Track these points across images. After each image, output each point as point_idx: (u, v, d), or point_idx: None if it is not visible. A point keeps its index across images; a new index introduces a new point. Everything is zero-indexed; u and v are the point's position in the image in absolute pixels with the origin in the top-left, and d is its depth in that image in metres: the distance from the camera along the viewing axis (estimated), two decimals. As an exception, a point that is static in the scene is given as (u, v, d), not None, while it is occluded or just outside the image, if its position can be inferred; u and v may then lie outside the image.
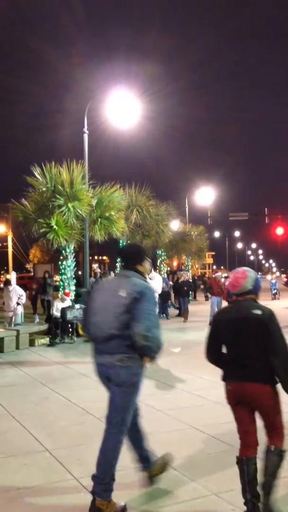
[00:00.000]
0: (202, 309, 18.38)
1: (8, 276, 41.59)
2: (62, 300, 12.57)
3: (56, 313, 12.12)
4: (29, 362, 9.07)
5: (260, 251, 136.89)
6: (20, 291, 12.48)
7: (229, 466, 4.00)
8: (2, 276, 55.82)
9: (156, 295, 6.29)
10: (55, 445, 4.49)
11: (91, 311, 3.42)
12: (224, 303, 15.87)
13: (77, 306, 12.58)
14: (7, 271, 51.17)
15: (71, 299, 13.57)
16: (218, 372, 3.36)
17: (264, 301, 26.56)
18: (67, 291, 13.53)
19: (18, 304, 12.13)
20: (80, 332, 12.80)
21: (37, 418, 5.39)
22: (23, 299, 12.46)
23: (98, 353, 3.40)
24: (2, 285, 44.74)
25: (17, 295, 12.26)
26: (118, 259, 18.13)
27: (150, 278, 6.17)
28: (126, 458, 4.14)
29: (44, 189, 13.57)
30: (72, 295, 13.89)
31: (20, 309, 12.29)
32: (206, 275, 47.56)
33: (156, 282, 9.99)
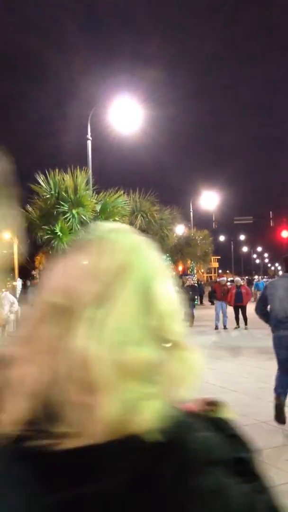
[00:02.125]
0: (208, 314, 18.34)
1: (14, 283, 41.76)
2: None
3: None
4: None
5: (266, 255, 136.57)
6: (12, 298, 12.26)
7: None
8: (8, 283, 55.91)
9: None
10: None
11: (271, 300, 5.19)
12: (229, 308, 15.85)
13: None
14: (13, 278, 51.29)
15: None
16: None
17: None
18: None
19: (10, 312, 11.87)
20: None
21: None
22: (16, 307, 12.14)
23: (281, 329, 5.22)
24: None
25: (9, 302, 11.98)
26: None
27: None
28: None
29: (48, 195, 13.63)
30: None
31: (12, 317, 12.04)
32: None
33: None
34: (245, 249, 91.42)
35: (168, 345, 0.66)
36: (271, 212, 41.77)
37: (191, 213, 32.96)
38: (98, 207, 14.43)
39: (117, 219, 14.75)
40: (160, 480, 0.57)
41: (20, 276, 36.35)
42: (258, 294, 27.26)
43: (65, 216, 13.16)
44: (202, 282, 36.44)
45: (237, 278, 17.78)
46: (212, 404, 0.80)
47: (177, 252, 26.16)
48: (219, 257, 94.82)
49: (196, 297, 17.50)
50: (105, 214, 14.57)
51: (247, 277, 49.22)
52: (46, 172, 13.67)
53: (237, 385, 7.02)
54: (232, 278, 24.30)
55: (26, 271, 55.17)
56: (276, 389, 5.29)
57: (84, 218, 13.46)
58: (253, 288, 27.59)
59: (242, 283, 16.32)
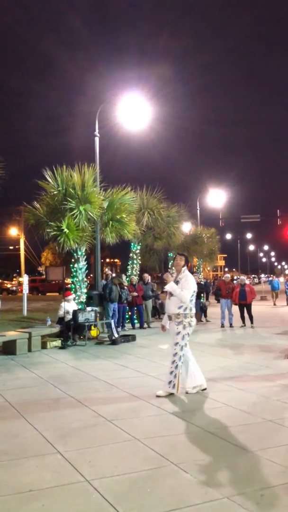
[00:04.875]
0: (213, 312, 18.31)
1: (21, 279, 41.82)
2: (68, 301, 12.62)
3: (67, 315, 12.17)
4: (41, 364, 9.10)
5: (273, 253, 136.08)
6: None
7: (241, 469, 3.97)
8: (14, 279, 56.17)
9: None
10: (66, 447, 4.49)
11: None
12: (235, 307, 15.81)
13: (89, 308, 12.61)
14: (19, 274, 51.52)
15: (82, 302, 13.61)
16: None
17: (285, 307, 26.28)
18: (75, 292, 13.56)
19: None
20: (93, 334, 12.86)
21: (48, 420, 5.40)
22: None
23: None
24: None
25: None
26: (129, 262, 18.16)
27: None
28: (136, 460, 4.13)
29: (55, 192, 13.62)
30: (84, 297, 13.93)
31: None
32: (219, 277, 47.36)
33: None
34: (251, 247, 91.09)
35: None
36: (278, 210, 41.60)
37: (198, 211, 32.88)
38: (105, 204, 14.41)
39: (124, 216, 14.73)
40: None
41: (26, 272, 36.40)
42: (274, 293, 27.02)
43: (72, 213, 13.14)
44: (208, 280, 36.38)
45: (242, 277, 17.72)
46: None
47: (183, 250, 26.07)
48: (225, 256, 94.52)
49: (202, 294, 17.45)
50: (112, 211, 14.56)
51: (253, 275, 49.02)
52: (54, 168, 13.67)
53: (244, 383, 7.00)
54: (236, 276, 24.26)
55: (33, 267, 55.18)
56: None
57: (91, 215, 13.45)
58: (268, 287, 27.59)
59: (246, 282, 16.26)
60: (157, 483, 3.69)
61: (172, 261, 24.29)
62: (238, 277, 23.16)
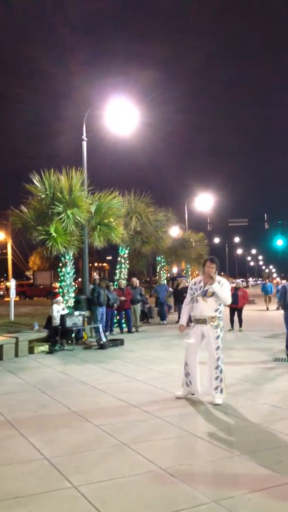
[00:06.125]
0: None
1: (8, 284, 41.55)
2: (57, 303, 12.59)
3: (54, 320, 12.11)
4: (28, 369, 9.03)
5: (260, 257, 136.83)
6: None
7: (229, 473, 3.97)
8: (2, 283, 55.76)
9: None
10: (53, 453, 4.45)
11: None
12: (226, 310, 15.82)
13: (77, 313, 12.56)
14: (6, 279, 51.15)
15: (70, 306, 13.54)
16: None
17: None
18: (63, 296, 13.52)
19: None
20: (85, 338, 12.82)
21: (35, 426, 5.36)
22: None
23: None
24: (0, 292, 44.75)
25: None
26: (117, 266, 18.14)
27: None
28: (123, 466, 4.11)
29: (43, 196, 13.57)
30: (72, 302, 13.87)
31: None
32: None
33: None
34: (239, 251, 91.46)
35: None
36: (265, 214, 41.88)
37: (186, 215, 32.97)
38: (93, 208, 14.38)
39: (112, 220, 14.72)
40: None
41: (14, 277, 36.16)
42: (267, 297, 26.96)
43: (60, 217, 13.09)
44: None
45: (238, 280, 17.71)
46: None
47: (171, 254, 26.13)
48: (211, 257, 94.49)
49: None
50: (100, 215, 14.54)
51: (242, 279, 49.29)
52: (42, 172, 13.62)
53: (231, 387, 7.01)
54: (232, 281, 24.28)
55: (20, 272, 54.82)
56: None
57: (79, 219, 13.41)
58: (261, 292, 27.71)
59: (241, 286, 16.33)
60: (144, 488, 3.67)
61: (160, 265, 24.33)
62: (233, 281, 23.18)
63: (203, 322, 6.33)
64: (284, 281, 17.77)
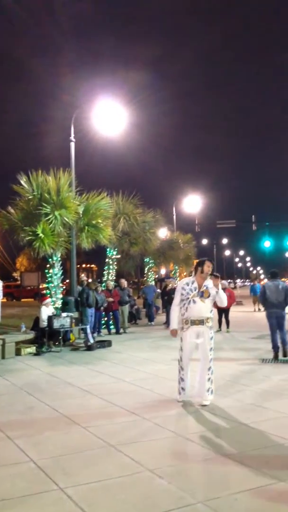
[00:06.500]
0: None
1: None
2: (47, 305, 12.53)
3: (43, 323, 12.05)
4: (15, 371, 8.98)
5: (248, 258, 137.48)
6: None
7: (215, 474, 3.98)
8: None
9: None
10: (40, 455, 4.43)
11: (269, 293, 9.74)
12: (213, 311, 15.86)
13: (64, 314, 12.51)
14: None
15: (57, 308, 13.49)
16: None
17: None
18: (51, 297, 13.47)
19: None
20: (72, 339, 12.77)
21: (22, 428, 5.33)
22: None
23: (274, 308, 9.73)
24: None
25: None
26: (105, 267, 18.11)
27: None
28: (111, 468, 4.11)
29: (30, 197, 13.51)
30: (59, 303, 13.82)
31: None
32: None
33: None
34: (227, 252, 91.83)
35: None
36: (253, 216, 42.14)
37: (174, 216, 33.04)
38: (81, 209, 14.35)
39: (99, 221, 14.70)
40: None
41: (1, 278, 35.89)
42: (256, 299, 27.00)
43: (48, 218, 13.04)
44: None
45: (223, 281, 17.79)
46: None
47: (159, 255, 26.12)
48: (209, 258, 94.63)
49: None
50: (87, 216, 14.50)
51: (229, 280, 49.43)
52: (29, 173, 13.56)
53: (219, 387, 7.03)
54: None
55: (7, 273, 54.49)
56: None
57: (67, 220, 13.37)
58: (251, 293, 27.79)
59: (227, 286, 16.38)
60: (131, 490, 3.67)
61: (148, 266, 24.33)
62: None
63: (200, 323, 6.28)
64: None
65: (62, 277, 14.28)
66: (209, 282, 6.41)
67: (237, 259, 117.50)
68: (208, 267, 6.42)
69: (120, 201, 18.53)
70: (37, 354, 11.10)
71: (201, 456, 4.39)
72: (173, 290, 17.79)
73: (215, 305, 16.33)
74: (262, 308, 11.01)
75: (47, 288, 14.09)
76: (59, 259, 14.15)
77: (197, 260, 6.87)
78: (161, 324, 17.75)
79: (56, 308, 13.38)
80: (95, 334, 13.91)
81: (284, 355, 9.70)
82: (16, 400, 6.68)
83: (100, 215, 14.74)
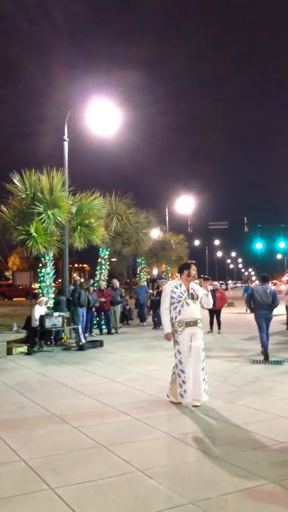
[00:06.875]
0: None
1: (-14, 284, 41.06)
2: (40, 303, 12.51)
3: (35, 322, 12.02)
4: (6, 371, 8.95)
5: (240, 260, 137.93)
6: None
7: (206, 475, 3.99)
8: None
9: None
10: (31, 455, 4.42)
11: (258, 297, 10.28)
12: (205, 312, 15.90)
13: (56, 314, 12.49)
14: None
15: (49, 307, 13.46)
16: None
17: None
18: (43, 296, 13.45)
19: None
20: (64, 338, 12.76)
21: (13, 428, 5.31)
22: None
23: (263, 309, 10.30)
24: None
25: None
26: (97, 267, 18.09)
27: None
28: (102, 468, 4.10)
29: (23, 196, 13.47)
30: (52, 302, 13.79)
31: None
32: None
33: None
34: (219, 254, 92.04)
35: None
36: (245, 218, 42.28)
37: (167, 217, 33.09)
38: (73, 209, 14.33)
39: (92, 221, 14.68)
40: None
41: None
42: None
43: (41, 217, 13.01)
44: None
45: (215, 282, 17.82)
46: None
47: (152, 255, 26.14)
48: (194, 262, 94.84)
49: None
50: (80, 215, 14.49)
51: (221, 281, 49.51)
52: (22, 172, 13.52)
53: (210, 388, 7.05)
54: (198, 282, 24.33)
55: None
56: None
57: (60, 219, 13.35)
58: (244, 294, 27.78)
59: (219, 287, 16.41)
60: (122, 490, 3.67)
61: (140, 267, 24.35)
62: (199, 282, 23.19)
63: (194, 324, 6.32)
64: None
65: (54, 276, 14.26)
66: (194, 284, 6.52)
67: (229, 261, 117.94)
68: (194, 270, 6.62)
69: (113, 201, 18.52)
70: (28, 353, 11.07)
71: (192, 456, 4.40)
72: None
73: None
74: (249, 310, 11.16)
75: (39, 287, 14.06)
76: (52, 258, 14.12)
77: (182, 263, 6.99)
78: (153, 325, 17.55)
79: (48, 308, 13.35)
80: (87, 334, 13.90)
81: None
82: (7, 400, 6.66)
83: (93, 215, 14.73)
